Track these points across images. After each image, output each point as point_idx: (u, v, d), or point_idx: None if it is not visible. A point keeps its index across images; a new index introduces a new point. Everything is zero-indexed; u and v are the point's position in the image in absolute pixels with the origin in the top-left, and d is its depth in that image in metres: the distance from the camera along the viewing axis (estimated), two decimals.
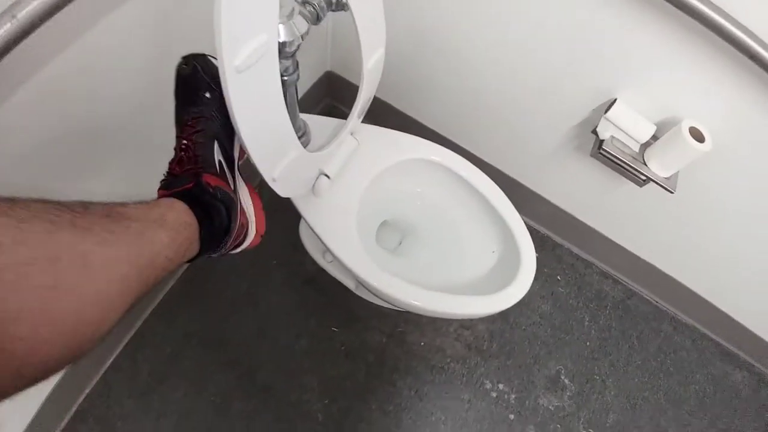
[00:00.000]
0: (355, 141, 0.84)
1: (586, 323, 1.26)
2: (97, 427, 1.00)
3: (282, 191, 0.68)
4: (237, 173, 0.57)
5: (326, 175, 0.80)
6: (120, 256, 0.34)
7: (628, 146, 0.88)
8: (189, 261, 0.46)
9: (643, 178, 0.87)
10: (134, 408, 1.03)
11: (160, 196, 0.47)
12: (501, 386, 1.17)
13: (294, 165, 0.66)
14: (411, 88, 1.18)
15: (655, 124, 0.85)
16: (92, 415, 1.02)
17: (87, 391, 1.03)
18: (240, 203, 0.55)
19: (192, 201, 0.46)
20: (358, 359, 1.13)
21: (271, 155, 0.60)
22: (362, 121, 0.85)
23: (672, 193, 0.87)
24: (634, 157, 0.87)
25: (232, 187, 0.53)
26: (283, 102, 0.55)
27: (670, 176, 0.86)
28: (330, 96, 1.40)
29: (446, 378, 1.15)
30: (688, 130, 0.78)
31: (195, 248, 0.45)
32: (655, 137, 0.87)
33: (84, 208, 0.34)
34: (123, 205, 0.39)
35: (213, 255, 0.51)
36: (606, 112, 0.86)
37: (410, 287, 0.77)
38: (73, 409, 1.00)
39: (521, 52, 0.92)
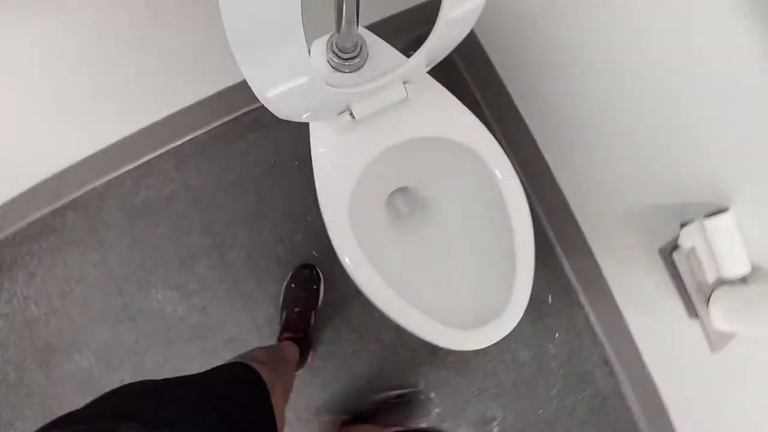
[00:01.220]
0: (404, 92, 0.70)
1: (553, 393, 1.14)
2: (81, 220, 1.09)
3: (278, 112, 0.60)
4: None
5: (352, 115, 0.69)
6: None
7: (703, 270, 0.68)
8: None
9: (695, 315, 0.69)
10: (118, 222, 1.10)
11: (284, 338, 1.00)
12: (433, 394, 1.12)
13: (302, 92, 0.57)
14: (526, 68, 0.99)
15: (753, 265, 0.65)
16: (83, 208, 1.10)
17: (87, 188, 1.10)
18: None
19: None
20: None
21: (269, 71, 0.50)
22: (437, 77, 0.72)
23: (711, 352, 0.69)
24: (700, 286, 0.68)
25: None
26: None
27: (725, 333, 0.67)
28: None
29: (391, 355, 1.12)
30: None
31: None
32: (744, 280, 0.67)
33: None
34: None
35: None
36: (706, 217, 0.66)
37: (374, 283, 0.70)
38: (70, 197, 1.09)
39: (655, 96, 0.70)
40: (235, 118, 1.14)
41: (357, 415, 1.04)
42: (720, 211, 0.65)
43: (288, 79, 0.53)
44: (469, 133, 0.75)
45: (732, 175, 0.64)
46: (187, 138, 1.13)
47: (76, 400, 0.70)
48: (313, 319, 1.06)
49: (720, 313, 0.66)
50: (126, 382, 0.47)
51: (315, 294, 1.07)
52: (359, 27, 0.66)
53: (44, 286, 1.08)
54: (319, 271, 1.09)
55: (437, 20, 0.59)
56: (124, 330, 1.08)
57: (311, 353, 1.07)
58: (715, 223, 0.65)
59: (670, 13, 0.61)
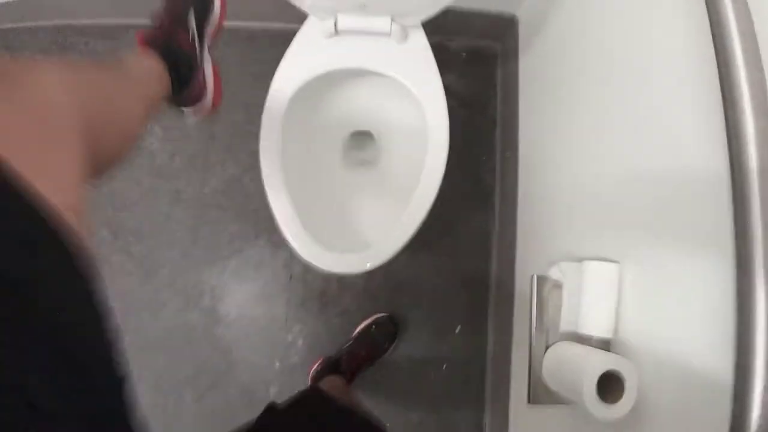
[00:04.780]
0: (388, 27, 0.75)
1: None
2: None
3: None
4: (206, 50, 0.71)
5: (335, 20, 0.76)
6: (138, 90, 0.51)
7: (558, 315, 0.65)
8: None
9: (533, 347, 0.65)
10: None
11: (140, 43, 0.61)
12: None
13: None
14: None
15: (614, 336, 0.60)
16: None
17: None
18: (203, 71, 0.69)
19: (165, 53, 0.60)
20: None
21: None
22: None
23: (527, 402, 0.65)
24: (547, 327, 0.65)
25: (197, 56, 0.68)
26: None
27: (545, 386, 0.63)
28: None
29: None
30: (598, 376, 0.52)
31: (167, 92, 0.61)
32: (605, 344, 0.61)
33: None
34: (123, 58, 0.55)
35: (178, 106, 0.68)
36: (591, 259, 0.62)
37: (274, 168, 0.74)
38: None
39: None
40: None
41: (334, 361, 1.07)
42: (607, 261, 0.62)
43: None
44: (423, 89, 0.78)
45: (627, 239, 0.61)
46: (246, 24, 1.26)
47: None
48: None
49: (548, 370, 0.62)
50: None
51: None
52: None
53: None
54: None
55: None
56: None
57: None
58: (592, 268, 0.61)
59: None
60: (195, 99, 0.69)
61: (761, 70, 0.38)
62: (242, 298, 1.16)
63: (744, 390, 0.34)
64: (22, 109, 0.28)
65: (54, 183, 0.26)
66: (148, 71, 0.57)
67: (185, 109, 0.70)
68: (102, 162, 0.38)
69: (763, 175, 0.35)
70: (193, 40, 0.68)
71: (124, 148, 0.43)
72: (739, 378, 0.34)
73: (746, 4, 0.39)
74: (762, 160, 0.35)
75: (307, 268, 1.04)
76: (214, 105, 0.74)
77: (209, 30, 0.72)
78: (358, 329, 1.10)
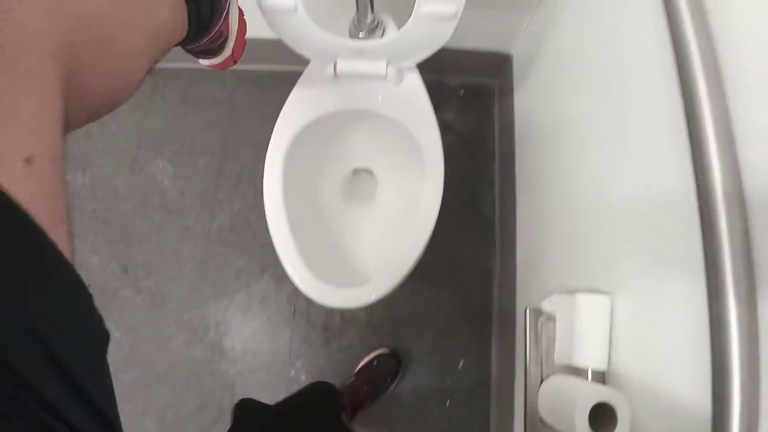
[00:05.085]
0: (383, 70, 0.80)
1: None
2: (149, 83, 1.33)
3: (274, 26, 0.73)
4: None
5: (334, 65, 0.80)
6: (144, 20, 0.38)
7: (552, 348, 0.65)
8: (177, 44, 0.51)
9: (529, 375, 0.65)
10: (172, 99, 1.32)
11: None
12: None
13: (291, 20, 0.70)
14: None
15: (609, 368, 0.60)
16: (157, 75, 1.34)
17: (173, 65, 1.34)
18: (228, 13, 0.58)
19: None
20: None
21: None
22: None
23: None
24: (542, 360, 0.65)
25: None
26: None
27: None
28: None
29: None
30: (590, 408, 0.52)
31: (184, 31, 0.48)
32: (601, 376, 0.61)
33: None
34: None
35: (191, 47, 0.55)
36: (582, 292, 0.63)
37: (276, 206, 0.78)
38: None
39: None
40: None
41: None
42: (599, 293, 0.63)
43: None
44: (418, 128, 0.81)
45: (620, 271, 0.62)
46: (255, 67, 1.34)
47: None
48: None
49: (544, 402, 0.62)
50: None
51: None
52: (381, 13, 0.80)
53: None
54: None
55: (413, 11, 0.69)
56: (122, 173, 1.27)
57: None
58: (585, 302, 0.62)
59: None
60: (214, 50, 0.59)
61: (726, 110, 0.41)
62: (247, 333, 1.18)
63: (722, 420, 0.34)
64: None
65: (21, 132, 0.21)
66: None
67: (201, 61, 0.61)
68: (87, 106, 0.30)
69: (728, 199, 0.37)
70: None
71: (117, 91, 0.34)
72: (717, 410, 0.35)
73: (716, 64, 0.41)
74: (725, 187, 0.37)
75: (311, 303, 1.06)
76: (234, 59, 0.64)
77: None
78: (360, 364, 1.10)
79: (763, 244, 0.35)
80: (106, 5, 0.32)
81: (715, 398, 0.35)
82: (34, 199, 0.20)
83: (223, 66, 0.62)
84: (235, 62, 0.64)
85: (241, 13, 0.64)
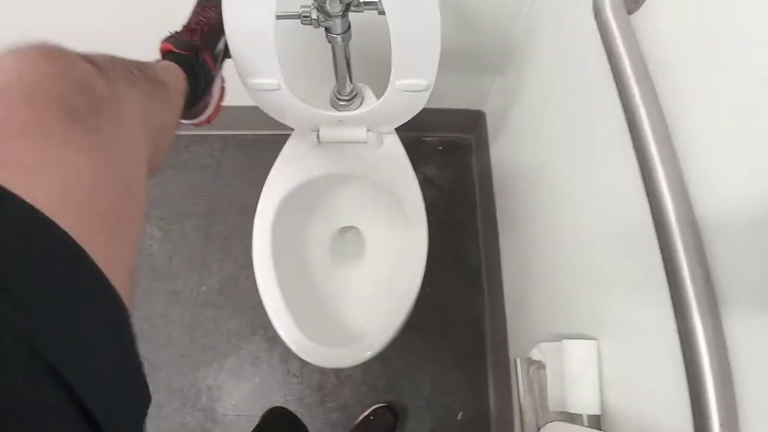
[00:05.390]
0: (364, 136, 0.85)
1: None
2: None
3: (259, 101, 0.78)
4: (222, 64, 0.69)
5: (318, 132, 0.85)
6: (174, 106, 0.48)
7: (544, 393, 0.66)
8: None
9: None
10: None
11: (164, 50, 0.58)
12: None
13: (275, 95, 0.75)
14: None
15: (602, 412, 0.61)
16: None
17: None
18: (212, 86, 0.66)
19: (187, 65, 0.56)
20: None
21: (249, 67, 0.70)
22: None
23: None
24: (537, 409, 0.66)
25: (215, 72, 0.65)
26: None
27: None
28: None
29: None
30: None
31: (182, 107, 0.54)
32: (596, 420, 0.62)
33: (139, 70, 0.38)
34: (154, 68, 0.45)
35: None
36: (568, 339, 0.65)
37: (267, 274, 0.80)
38: None
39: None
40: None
41: None
42: (585, 338, 0.65)
43: (261, 77, 0.72)
44: (399, 187, 0.86)
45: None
46: (241, 132, 1.39)
47: None
48: None
49: None
50: None
51: None
52: (359, 83, 0.86)
53: None
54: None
55: (388, 84, 0.74)
56: None
57: None
58: (574, 345, 0.64)
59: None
60: (197, 112, 0.66)
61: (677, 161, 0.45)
62: (239, 397, 1.15)
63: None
64: (112, 163, 0.25)
65: (118, 258, 0.24)
66: (176, 85, 0.52)
67: (183, 120, 0.65)
68: None
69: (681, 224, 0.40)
70: (215, 59, 0.67)
71: (159, 167, 0.40)
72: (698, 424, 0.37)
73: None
74: (678, 216, 0.40)
75: (304, 362, 1.05)
76: (209, 120, 0.71)
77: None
78: (356, 422, 1.08)
79: (718, 261, 0.39)
80: (160, 104, 0.41)
81: (694, 413, 0.37)
82: (128, 303, 0.24)
83: (197, 125, 0.68)
84: (209, 123, 0.69)
85: (222, 80, 0.71)
